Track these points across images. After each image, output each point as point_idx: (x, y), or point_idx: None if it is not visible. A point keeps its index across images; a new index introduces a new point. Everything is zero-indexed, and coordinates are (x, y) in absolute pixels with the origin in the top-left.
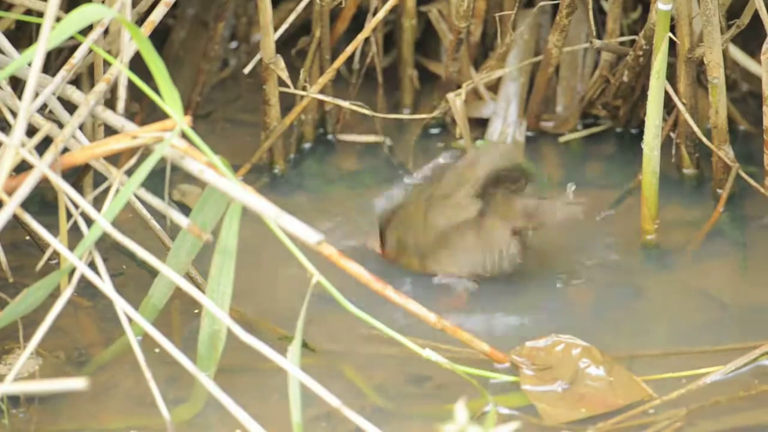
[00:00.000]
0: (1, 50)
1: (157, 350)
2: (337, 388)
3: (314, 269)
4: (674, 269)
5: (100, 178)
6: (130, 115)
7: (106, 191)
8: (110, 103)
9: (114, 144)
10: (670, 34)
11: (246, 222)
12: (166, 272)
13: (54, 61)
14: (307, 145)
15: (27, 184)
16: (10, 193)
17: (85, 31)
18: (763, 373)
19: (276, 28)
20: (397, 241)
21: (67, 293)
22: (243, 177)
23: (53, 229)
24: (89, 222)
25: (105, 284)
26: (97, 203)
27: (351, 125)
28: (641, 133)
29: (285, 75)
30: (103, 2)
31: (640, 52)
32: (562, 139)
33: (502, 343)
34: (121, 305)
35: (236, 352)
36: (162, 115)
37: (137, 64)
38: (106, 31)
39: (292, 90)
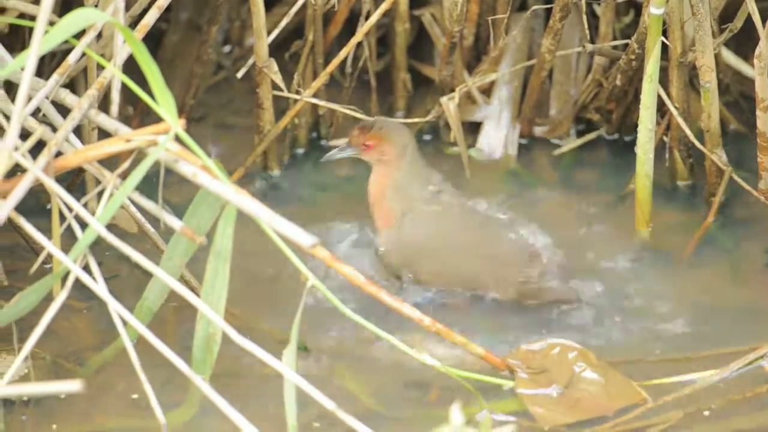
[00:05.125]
0: None
1: (151, 353)
2: (333, 391)
3: (309, 273)
4: (669, 273)
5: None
6: (124, 119)
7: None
8: (104, 106)
9: (107, 147)
10: (663, 38)
11: (242, 225)
12: (160, 275)
13: (47, 65)
14: (300, 149)
15: (21, 188)
16: (4, 196)
17: (79, 35)
18: (758, 376)
19: (269, 32)
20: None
21: (61, 296)
22: (237, 180)
23: (48, 232)
24: (83, 225)
25: (99, 287)
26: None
27: (344, 129)
28: (634, 136)
29: (278, 79)
30: (96, 6)
31: (633, 56)
32: (556, 152)
33: (497, 347)
34: (116, 308)
35: (232, 355)
36: (156, 119)
37: (131, 68)
38: (99, 35)
39: (285, 94)
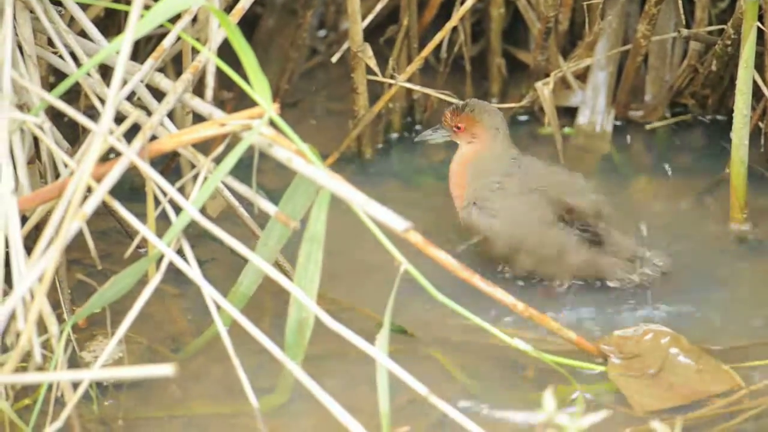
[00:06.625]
0: (90, 38)
1: (245, 338)
2: (425, 375)
3: (402, 257)
4: (764, 258)
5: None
6: (218, 103)
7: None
8: (198, 90)
9: (202, 131)
10: (759, 24)
11: (334, 210)
12: (255, 260)
13: (143, 49)
14: (394, 134)
15: (115, 172)
16: (98, 180)
17: (174, 19)
18: None
19: (364, 17)
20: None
21: (155, 280)
22: (331, 165)
23: (142, 216)
24: (177, 209)
25: (193, 271)
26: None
27: (439, 114)
28: (730, 122)
29: (373, 63)
30: None
31: (729, 42)
32: (648, 126)
33: (590, 333)
34: (210, 293)
35: (325, 340)
36: (251, 103)
37: (226, 52)
38: (194, 19)
39: (380, 78)
